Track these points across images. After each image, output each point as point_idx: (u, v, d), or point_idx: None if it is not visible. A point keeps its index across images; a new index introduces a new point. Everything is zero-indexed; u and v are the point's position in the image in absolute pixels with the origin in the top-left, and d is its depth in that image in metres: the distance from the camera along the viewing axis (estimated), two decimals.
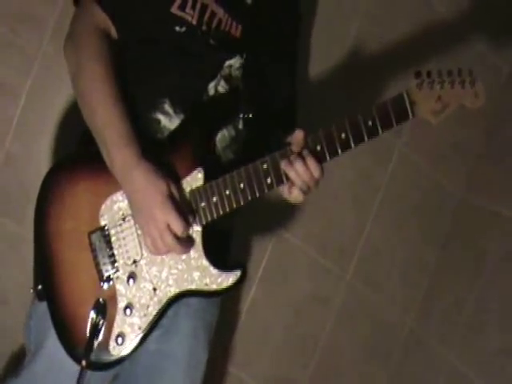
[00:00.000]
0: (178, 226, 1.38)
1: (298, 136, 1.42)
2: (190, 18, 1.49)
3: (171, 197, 1.39)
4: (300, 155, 1.40)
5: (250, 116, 1.55)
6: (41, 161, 1.92)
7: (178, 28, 1.49)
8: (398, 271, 2.40)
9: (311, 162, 1.40)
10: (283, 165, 1.41)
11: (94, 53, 1.44)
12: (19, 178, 1.93)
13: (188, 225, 1.41)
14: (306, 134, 1.41)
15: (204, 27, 1.51)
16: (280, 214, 2.22)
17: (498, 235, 2.19)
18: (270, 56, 1.63)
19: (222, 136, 1.52)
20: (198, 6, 1.51)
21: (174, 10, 1.49)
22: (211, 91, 1.51)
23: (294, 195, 1.45)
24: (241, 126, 1.56)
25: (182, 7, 1.49)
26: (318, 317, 2.35)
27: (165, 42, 1.50)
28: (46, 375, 1.51)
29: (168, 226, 1.38)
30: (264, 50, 1.61)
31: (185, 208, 1.42)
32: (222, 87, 1.53)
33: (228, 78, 1.54)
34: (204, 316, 1.66)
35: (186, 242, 1.42)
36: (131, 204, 1.42)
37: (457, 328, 2.26)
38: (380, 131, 1.39)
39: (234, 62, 1.55)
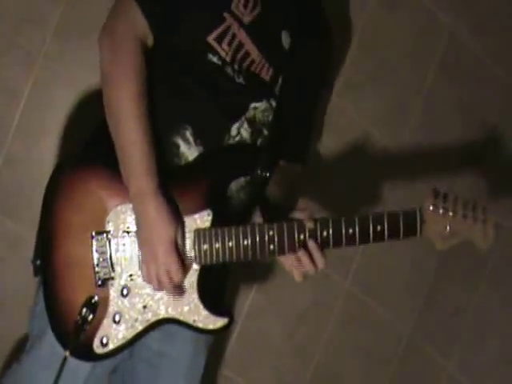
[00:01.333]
0: (176, 275, 1.42)
1: (302, 207, 1.48)
2: (223, 54, 1.49)
3: (176, 243, 1.41)
4: (306, 246, 1.43)
5: (267, 175, 1.55)
6: (41, 161, 1.92)
7: (210, 56, 1.48)
8: (398, 279, 2.40)
9: (317, 256, 1.43)
10: (288, 250, 1.44)
11: (133, 69, 1.43)
12: (19, 177, 1.93)
13: (186, 271, 1.44)
14: (307, 212, 1.46)
15: (236, 66, 1.50)
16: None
17: (499, 246, 2.19)
18: (299, 94, 1.63)
19: (238, 180, 1.53)
20: (235, 43, 1.50)
21: (211, 39, 1.48)
22: (234, 132, 1.52)
23: (291, 272, 1.49)
24: (257, 177, 1.56)
25: (219, 40, 1.48)
26: (318, 323, 2.35)
27: (196, 65, 1.49)
28: (49, 359, 1.51)
29: (167, 270, 1.41)
30: (295, 90, 1.61)
31: (186, 248, 1.45)
32: (245, 130, 1.53)
33: (252, 122, 1.54)
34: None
35: (179, 288, 1.46)
36: (138, 230, 1.44)
37: (456, 337, 2.25)
38: (386, 238, 1.42)
39: (260, 105, 1.55)
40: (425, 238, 1.42)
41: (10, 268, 1.98)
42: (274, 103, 1.58)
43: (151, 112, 1.44)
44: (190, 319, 1.48)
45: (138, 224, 1.43)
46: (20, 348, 1.97)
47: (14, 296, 1.98)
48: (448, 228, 1.40)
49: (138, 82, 1.43)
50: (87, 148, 1.62)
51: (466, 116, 2.34)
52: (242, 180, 1.53)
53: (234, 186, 1.52)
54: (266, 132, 1.57)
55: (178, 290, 1.46)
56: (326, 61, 1.76)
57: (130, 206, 1.43)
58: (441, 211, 1.39)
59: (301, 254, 1.43)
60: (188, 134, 1.49)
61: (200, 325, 1.48)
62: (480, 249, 1.42)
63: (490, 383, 2.04)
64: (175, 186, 1.45)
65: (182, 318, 1.48)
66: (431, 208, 1.39)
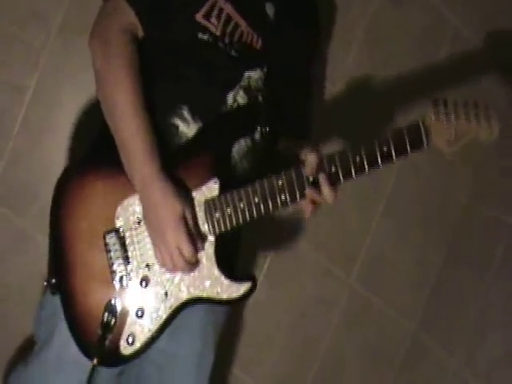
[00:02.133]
0: (187, 252, 1.40)
1: (312, 161, 1.42)
2: (213, 29, 1.50)
3: (185, 219, 1.41)
4: (315, 181, 1.41)
5: (267, 129, 1.56)
6: (46, 157, 1.93)
7: (200, 35, 1.49)
8: (402, 276, 2.40)
9: (326, 191, 1.41)
10: (300, 197, 1.42)
11: (125, 61, 1.44)
12: (24, 173, 1.94)
13: (198, 248, 1.44)
14: (320, 159, 1.42)
15: (227, 39, 1.52)
16: (285, 218, 2.22)
17: (503, 244, 2.19)
18: (288, 70, 1.64)
19: (239, 146, 1.53)
20: (224, 16, 1.52)
21: (199, 17, 1.49)
22: (230, 101, 1.52)
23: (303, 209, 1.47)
24: (257, 136, 1.57)
25: (207, 16, 1.50)
26: (322, 320, 2.35)
27: (187, 47, 1.50)
28: (57, 363, 1.51)
29: (178, 248, 1.40)
30: (283, 64, 1.62)
31: (199, 222, 1.44)
32: (241, 97, 1.54)
33: (247, 89, 1.55)
34: (214, 317, 1.67)
35: (195, 264, 1.45)
36: (146, 217, 1.44)
37: (460, 334, 2.25)
38: (394, 157, 1.40)
39: (254, 74, 1.56)
40: (433, 148, 1.40)
41: (14, 263, 1.98)
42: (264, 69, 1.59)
43: (147, 99, 1.44)
44: (213, 293, 1.46)
45: (145, 211, 1.43)
46: (24, 346, 1.99)
47: (18, 291, 1.99)
48: (453, 133, 1.38)
49: (131, 73, 1.43)
50: (90, 150, 1.63)
51: None
52: (243, 145, 1.53)
53: (237, 153, 1.52)
54: (261, 98, 1.57)
55: (195, 266, 1.45)
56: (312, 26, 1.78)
57: (137, 196, 1.44)
58: (443, 118, 1.37)
59: (310, 192, 1.42)
60: (185, 113, 1.50)
61: (224, 296, 1.46)
62: (487, 142, 1.40)
63: (495, 380, 2.04)
64: (179, 165, 1.46)
65: (205, 295, 1.46)
66: (433, 117, 1.37)
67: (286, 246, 2.24)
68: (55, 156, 1.92)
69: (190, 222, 1.42)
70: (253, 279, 1.48)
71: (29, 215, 1.94)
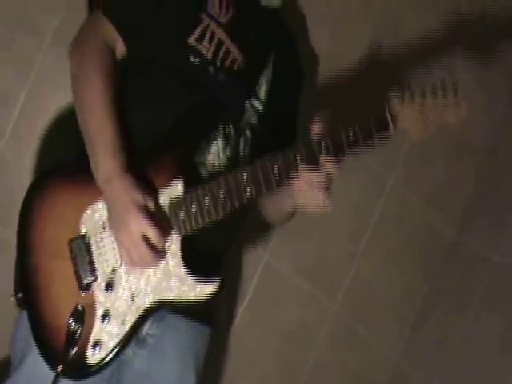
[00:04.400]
0: (153, 235, 1.38)
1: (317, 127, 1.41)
2: (205, 51, 1.52)
3: (147, 208, 1.39)
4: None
5: (231, 129, 1.54)
6: (33, 167, 1.91)
7: (192, 58, 1.51)
8: (386, 304, 2.39)
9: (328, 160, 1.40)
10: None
11: (96, 62, 1.46)
12: (10, 182, 1.94)
13: (164, 235, 1.41)
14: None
15: (218, 63, 1.53)
16: (271, 241, 2.22)
17: (487, 279, 2.19)
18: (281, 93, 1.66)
19: (212, 146, 1.52)
20: (215, 40, 1.54)
21: (192, 41, 1.51)
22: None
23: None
24: (241, 147, 1.57)
25: (200, 39, 1.52)
26: (305, 345, 2.33)
27: (177, 71, 1.52)
28: (32, 381, 1.49)
29: (143, 236, 1.37)
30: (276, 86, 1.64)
31: (162, 219, 1.42)
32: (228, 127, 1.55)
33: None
34: (195, 345, 1.64)
35: (161, 252, 1.42)
36: (109, 215, 1.43)
37: (443, 365, 2.23)
38: (361, 142, 1.40)
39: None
40: (401, 130, 1.41)
41: None
42: (255, 103, 1.59)
43: (119, 100, 1.46)
44: (180, 292, 1.43)
45: (108, 208, 1.43)
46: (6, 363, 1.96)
47: (1, 301, 1.97)
48: (420, 116, 1.39)
49: (105, 72, 1.46)
50: (52, 167, 1.59)
51: None
52: (215, 145, 1.52)
53: (209, 154, 1.52)
54: (248, 133, 1.58)
55: (162, 256, 1.42)
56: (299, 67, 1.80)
57: (102, 201, 1.44)
58: (409, 101, 1.39)
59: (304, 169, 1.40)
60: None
61: (192, 294, 1.43)
62: (457, 121, 1.41)
63: None
64: (148, 165, 1.45)
65: (172, 296, 1.43)
66: (399, 102, 1.39)
67: (271, 269, 2.23)
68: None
69: (154, 210, 1.40)
70: (221, 278, 1.45)
71: (13, 224, 1.92)
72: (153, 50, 1.52)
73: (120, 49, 1.52)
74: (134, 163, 1.43)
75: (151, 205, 1.40)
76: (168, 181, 1.44)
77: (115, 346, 1.44)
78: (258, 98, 1.60)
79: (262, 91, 1.61)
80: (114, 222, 1.41)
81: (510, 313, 2.04)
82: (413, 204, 2.34)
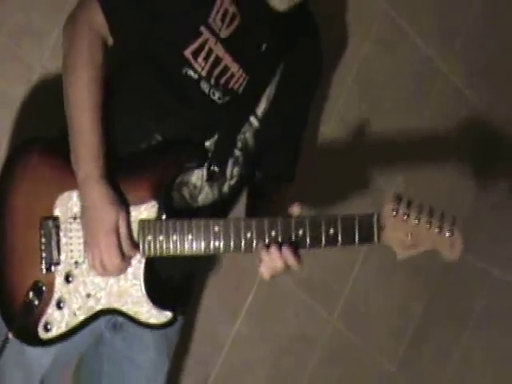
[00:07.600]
0: (115, 263, 1.41)
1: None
2: (199, 69, 1.48)
3: (118, 228, 1.41)
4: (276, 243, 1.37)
5: (216, 169, 1.53)
6: None
7: (186, 69, 1.48)
8: (383, 318, 2.40)
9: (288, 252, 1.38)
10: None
11: (88, 59, 1.45)
12: None
13: (131, 250, 1.43)
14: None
15: (213, 80, 1.49)
16: None
17: (486, 293, 2.19)
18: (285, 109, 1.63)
19: (190, 180, 1.52)
20: (212, 58, 1.49)
21: (187, 54, 1.47)
22: (207, 143, 1.52)
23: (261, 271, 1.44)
24: (226, 188, 1.58)
25: (195, 55, 1.47)
26: (303, 356, 2.34)
27: (171, 80, 1.49)
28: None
29: (109, 248, 1.40)
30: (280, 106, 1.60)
31: (131, 239, 1.44)
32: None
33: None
34: (167, 332, 1.62)
35: (124, 268, 1.45)
36: (82, 216, 1.45)
37: (440, 380, 2.23)
38: (340, 243, 1.35)
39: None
40: (384, 245, 1.33)
41: None
42: (254, 121, 1.58)
43: (104, 105, 1.45)
44: (132, 311, 1.46)
45: (82, 209, 1.44)
46: None
47: None
48: (409, 236, 1.30)
49: (91, 69, 1.44)
50: (43, 138, 1.59)
51: None
52: (193, 182, 1.52)
53: (186, 188, 1.51)
54: (238, 153, 1.57)
55: (122, 273, 1.45)
56: (317, 67, 1.75)
57: (78, 193, 1.44)
58: (402, 217, 1.29)
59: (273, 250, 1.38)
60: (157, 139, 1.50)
61: (142, 318, 1.46)
62: (446, 260, 1.31)
63: None
64: (124, 177, 1.46)
65: (124, 309, 1.47)
66: (391, 213, 1.30)
67: (269, 281, 2.22)
68: None
69: (123, 232, 1.42)
70: (174, 312, 1.47)
71: None
72: (152, 56, 1.51)
73: (110, 40, 1.50)
74: (112, 170, 1.44)
75: (123, 226, 1.42)
76: (142, 199, 1.45)
77: (63, 333, 1.47)
78: (255, 116, 1.58)
79: (261, 109, 1.58)
80: (86, 227, 1.43)
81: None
82: None
